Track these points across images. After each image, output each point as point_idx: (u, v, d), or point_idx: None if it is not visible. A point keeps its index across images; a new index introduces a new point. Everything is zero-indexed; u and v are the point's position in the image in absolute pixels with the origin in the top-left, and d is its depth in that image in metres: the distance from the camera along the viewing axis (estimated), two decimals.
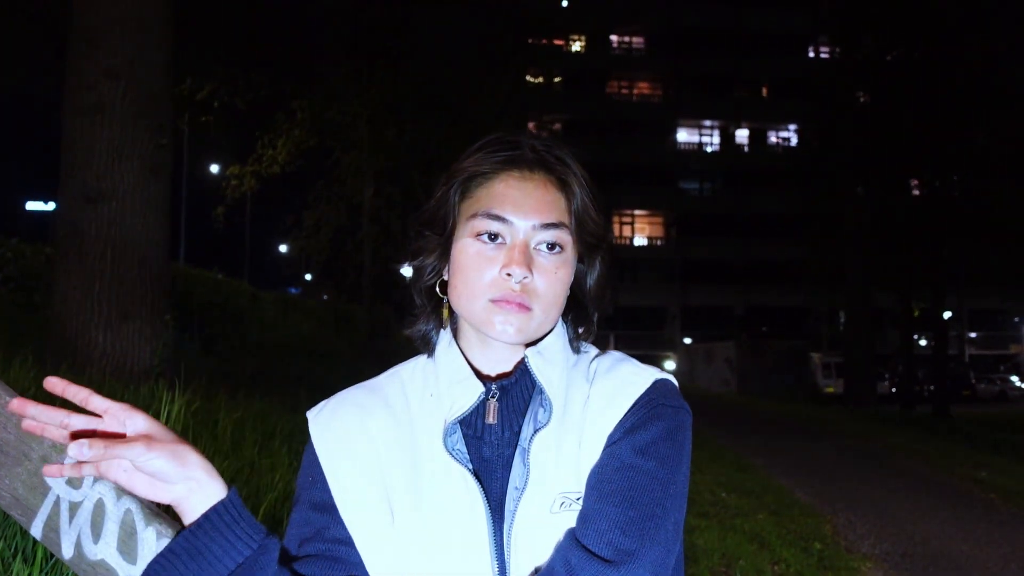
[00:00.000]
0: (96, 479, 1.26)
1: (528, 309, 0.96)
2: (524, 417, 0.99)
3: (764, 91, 46.59)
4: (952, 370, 32.80)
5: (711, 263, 45.02)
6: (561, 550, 0.89)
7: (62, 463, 1.01)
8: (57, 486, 1.28)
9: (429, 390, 1.03)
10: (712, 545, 5.69)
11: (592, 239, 1.03)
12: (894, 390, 31.94)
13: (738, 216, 44.41)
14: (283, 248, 30.52)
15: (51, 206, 34.55)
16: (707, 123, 46.97)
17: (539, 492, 0.94)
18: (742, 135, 47.29)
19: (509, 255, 0.96)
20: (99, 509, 1.26)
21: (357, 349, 14.18)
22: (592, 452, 0.96)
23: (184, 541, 0.94)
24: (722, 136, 47.27)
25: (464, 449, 0.98)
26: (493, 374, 1.02)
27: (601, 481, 0.92)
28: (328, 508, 0.98)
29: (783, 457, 11.13)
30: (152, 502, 1.25)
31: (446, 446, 0.97)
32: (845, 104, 25.04)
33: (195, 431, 3.24)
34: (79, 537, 1.26)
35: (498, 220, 0.97)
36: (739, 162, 45.61)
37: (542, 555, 0.92)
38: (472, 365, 1.02)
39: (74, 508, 1.27)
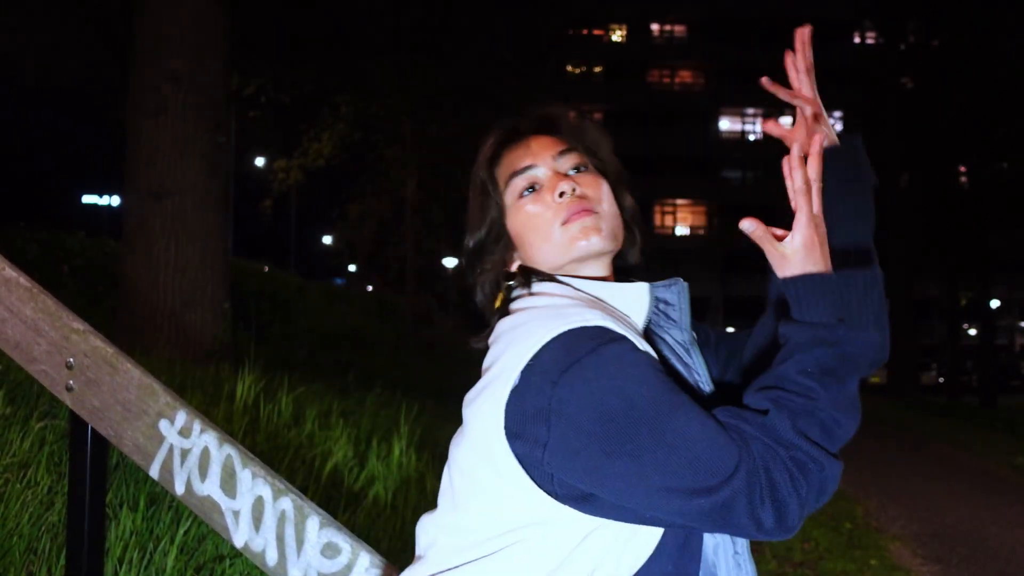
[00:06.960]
0: (202, 431, 1.56)
1: (593, 212, 1.07)
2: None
3: None
4: (1001, 360, 32.21)
5: (754, 253, 44.12)
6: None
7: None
8: (170, 435, 1.58)
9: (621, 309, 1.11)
10: None
11: (607, 163, 1.15)
12: (941, 380, 31.49)
13: (781, 205, 43.88)
14: (328, 240, 31.08)
15: (107, 200, 35.59)
16: (749, 111, 46.42)
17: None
18: (786, 123, 46.64)
19: (551, 184, 1.08)
20: (205, 454, 1.55)
21: (401, 338, 14.56)
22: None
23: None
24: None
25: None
26: None
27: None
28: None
29: None
30: (247, 449, 1.54)
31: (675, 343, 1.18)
32: (890, 91, 24.70)
33: (263, 405, 3.58)
34: (189, 477, 1.55)
35: (525, 171, 1.09)
36: (782, 151, 44.82)
37: None
38: None
39: (184, 453, 1.56)
